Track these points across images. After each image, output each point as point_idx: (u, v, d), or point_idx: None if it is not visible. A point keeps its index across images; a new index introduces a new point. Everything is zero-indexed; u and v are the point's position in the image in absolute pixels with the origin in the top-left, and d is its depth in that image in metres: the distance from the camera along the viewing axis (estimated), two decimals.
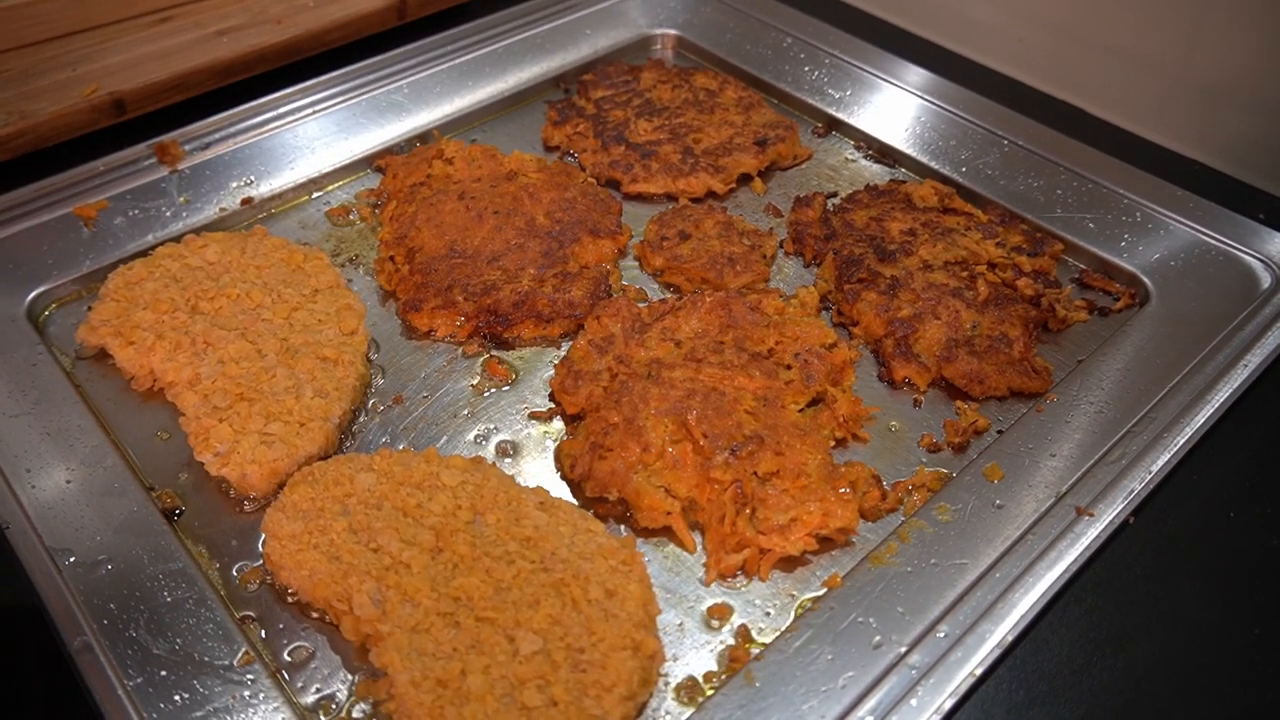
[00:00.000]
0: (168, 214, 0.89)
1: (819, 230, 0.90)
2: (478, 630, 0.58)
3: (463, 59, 1.08)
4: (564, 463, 0.72)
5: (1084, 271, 0.89)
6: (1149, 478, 0.69)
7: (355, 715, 0.58)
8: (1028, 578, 0.63)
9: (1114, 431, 0.72)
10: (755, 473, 0.67)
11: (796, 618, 0.63)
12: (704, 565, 0.66)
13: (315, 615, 0.63)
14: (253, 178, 0.94)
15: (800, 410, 0.74)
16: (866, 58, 1.09)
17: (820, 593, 0.64)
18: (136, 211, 0.89)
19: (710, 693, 0.59)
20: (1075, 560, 0.64)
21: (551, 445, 0.74)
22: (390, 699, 0.57)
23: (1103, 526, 0.66)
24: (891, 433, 0.75)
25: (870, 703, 0.56)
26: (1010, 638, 0.60)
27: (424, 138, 1.01)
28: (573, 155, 1.01)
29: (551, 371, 0.78)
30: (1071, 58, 1.10)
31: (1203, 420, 0.73)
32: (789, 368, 0.75)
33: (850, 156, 1.02)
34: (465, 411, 0.76)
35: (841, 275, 0.84)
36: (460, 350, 0.80)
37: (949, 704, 0.57)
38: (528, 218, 0.88)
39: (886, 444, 0.74)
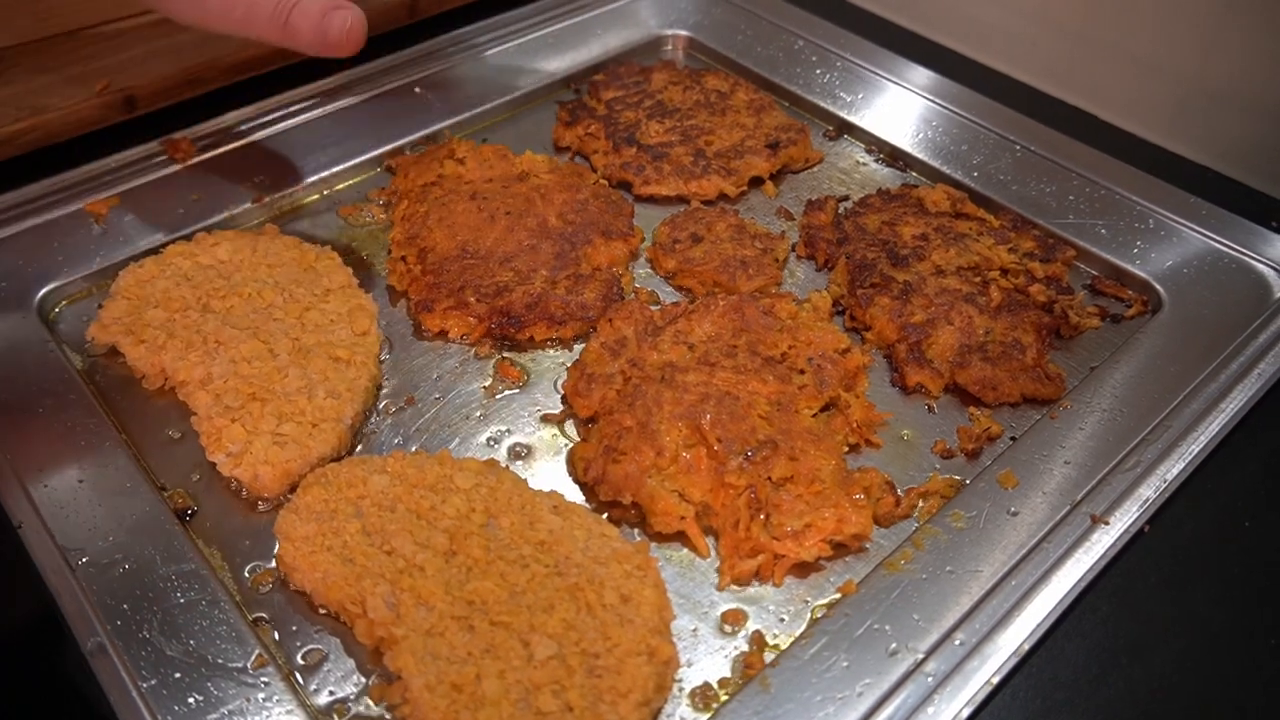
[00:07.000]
0: (179, 211, 0.89)
1: (831, 234, 0.90)
2: (492, 634, 0.58)
3: (473, 58, 1.08)
4: (577, 466, 0.71)
5: (1096, 278, 0.88)
6: (1164, 486, 0.69)
7: (369, 718, 0.58)
8: (1044, 586, 0.63)
9: (1128, 439, 0.72)
10: (769, 478, 0.67)
11: (811, 624, 0.63)
12: (718, 570, 0.66)
13: (328, 617, 0.63)
14: (264, 176, 0.93)
15: (813, 415, 0.74)
16: (878, 61, 1.09)
17: (835, 599, 0.64)
18: (148, 209, 0.88)
19: (725, 699, 0.59)
20: (1091, 569, 0.64)
21: (564, 448, 0.73)
22: (405, 703, 0.57)
23: (1118, 535, 0.66)
24: (904, 439, 0.75)
25: (888, 710, 0.56)
26: (1027, 646, 0.60)
27: (435, 137, 1.01)
28: (583, 156, 1.01)
29: (564, 374, 0.78)
30: (1084, 63, 1.10)
31: (1217, 428, 0.73)
32: (802, 372, 0.75)
33: (861, 160, 1.01)
34: (478, 413, 0.76)
35: (854, 280, 0.84)
36: (472, 351, 0.80)
37: (966, 713, 0.57)
38: (540, 219, 0.88)
39: (899, 450, 0.74)
